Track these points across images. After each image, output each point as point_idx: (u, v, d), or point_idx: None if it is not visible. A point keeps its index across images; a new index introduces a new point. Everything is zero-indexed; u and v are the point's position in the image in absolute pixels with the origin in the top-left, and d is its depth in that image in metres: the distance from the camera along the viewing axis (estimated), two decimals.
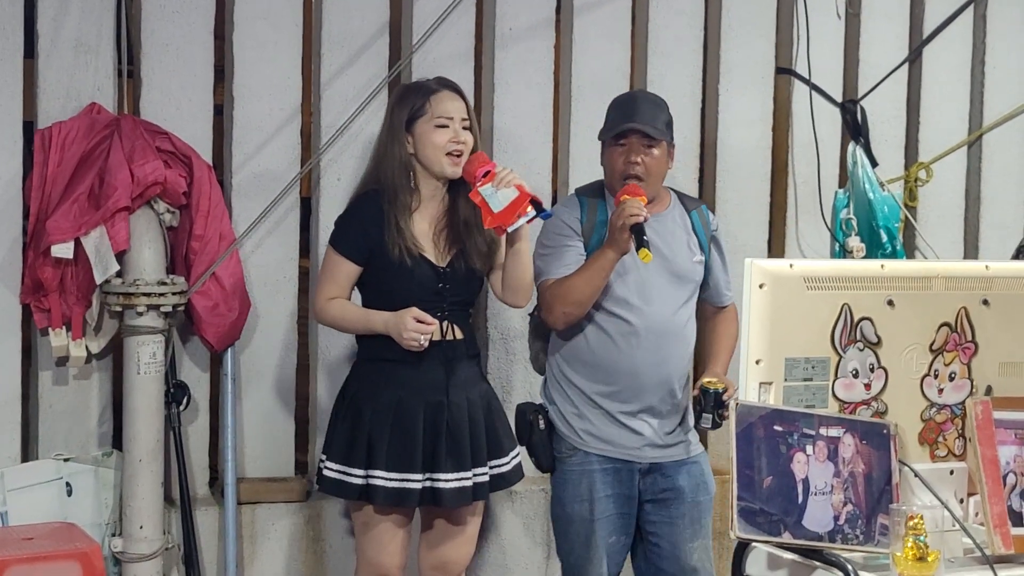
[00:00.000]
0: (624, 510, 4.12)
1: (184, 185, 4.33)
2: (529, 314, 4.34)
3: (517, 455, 4.17)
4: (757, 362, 2.91)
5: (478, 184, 3.88)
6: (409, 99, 4.04)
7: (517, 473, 4.18)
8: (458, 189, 4.03)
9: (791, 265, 2.96)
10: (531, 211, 3.87)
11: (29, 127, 4.37)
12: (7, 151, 4.30)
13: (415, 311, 3.88)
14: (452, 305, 4.03)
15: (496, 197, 3.86)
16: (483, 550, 4.77)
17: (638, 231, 3.82)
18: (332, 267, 4.05)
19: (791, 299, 2.93)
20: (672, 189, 4.31)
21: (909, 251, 5.35)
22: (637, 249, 3.81)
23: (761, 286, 2.90)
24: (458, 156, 3.99)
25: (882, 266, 3.03)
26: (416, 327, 3.86)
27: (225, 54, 4.61)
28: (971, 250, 5.49)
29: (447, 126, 3.98)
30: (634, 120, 4.06)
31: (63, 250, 4.18)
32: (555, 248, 4.11)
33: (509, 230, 3.91)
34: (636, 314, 4.05)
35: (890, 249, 5.19)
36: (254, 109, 4.59)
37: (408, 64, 4.69)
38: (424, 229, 4.01)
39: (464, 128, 4.02)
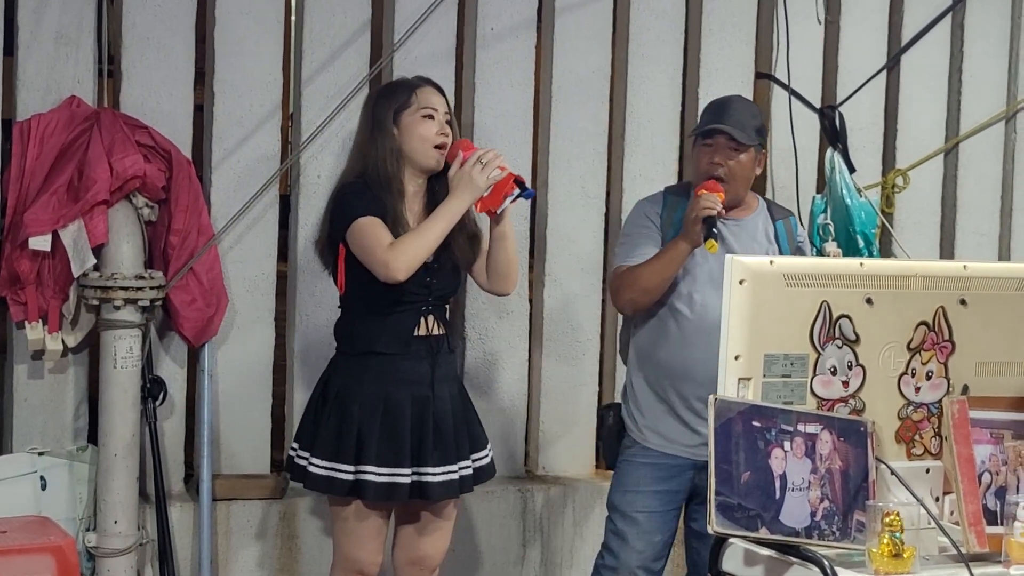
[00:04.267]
0: (672, 506, 4.18)
1: (163, 179, 4.33)
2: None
3: (490, 450, 4.18)
4: (736, 358, 2.90)
5: None
6: (394, 94, 4.04)
7: (493, 467, 4.20)
8: (438, 184, 4.03)
9: (771, 262, 2.95)
10: (516, 191, 3.89)
11: (7, 125, 4.35)
12: None
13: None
14: (436, 300, 4.04)
15: None
16: (457, 549, 4.76)
17: (709, 223, 3.89)
18: (366, 228, 3.87)
19: (771, 295, 2.92)
20: (763, 197, 4.37)
21: (885, 257, 5.37)
22: (705, 240, 3.88)
23: (741, 282, 2.90)
24: (444, 148, 3.99)
25: (861, 264, 3.03)
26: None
27: (207, 50, 4.61)
28: (947, 256, 5.52)
29: (433, 117, 3.99)
30: (724, 122, 4.08)
31: (41, 243, 4.18)
32: (632, 237, 4.19)
33: (498, 211, 3.93)
34: (696, 311, 4.08)
35: (867, 255, 5.22)
36: (234, 105, 4.59)
37: (389, 63, 4.70)
38: (410, 223, 4.00)
39: (447, 122, 4.03)
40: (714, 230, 3.88)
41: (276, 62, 4.64)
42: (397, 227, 3.91)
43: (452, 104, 4.19)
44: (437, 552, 4.17)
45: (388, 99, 4.04)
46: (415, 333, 3.98)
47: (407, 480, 3.94)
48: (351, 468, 3.93)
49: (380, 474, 3.92)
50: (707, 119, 4.17)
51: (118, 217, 4.26)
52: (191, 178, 4.40)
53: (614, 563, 4.19)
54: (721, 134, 4.08)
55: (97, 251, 4.22)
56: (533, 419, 5.07)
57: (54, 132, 4.26)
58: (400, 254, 3.82)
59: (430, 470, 3.97)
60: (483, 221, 4.07)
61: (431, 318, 4.02)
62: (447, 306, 4.15)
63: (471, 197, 3.90)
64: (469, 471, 4.07)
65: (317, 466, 3.97)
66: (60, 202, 4.20)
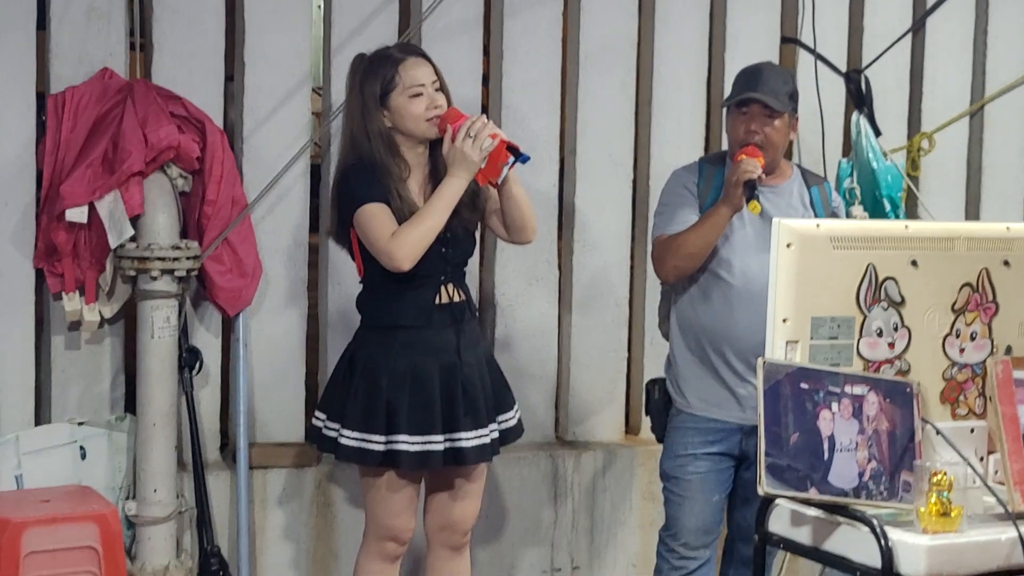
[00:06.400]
0: (723, 468, 4.22)
1: (197, 150, 4.34)
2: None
3: (518, 411, 4.21)
4: (784, 320, 2.94)
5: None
6: (377, 72, 3.98)
7: (520, 427, 4.22)
8: (435, 148, 4.01)
9: (818, 225, 2.99)
10: (511, 158, 3.89)
11: (41, 98, 4.37)
12: (20, 117, 4.30)
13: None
14: (454, 267, 4.05)
15: None
16: (489, 514, 4.80)
17: (750, 186, 3.93)
18: (370, 216, 3.88)
19: (818, 259, 2.95)
20: (797, 164, 4.39)
21: (911, 220, 5.39)
22: (747, 201, 3.92)
23: (789, 245, 2.93)
24: (438, 119, 3.98)
25: (906, 227, 3.06)
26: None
27: (236, 20, 4.62)
28: (972, 219, 5.53)
29: (421, 94, 3.96)
30: (757, 90, 4.10)
31: (77, 214, 4.19)
32: (670, 205, 4.21)
33: (498, 182, 3.93)
34: (737, 277, 4.11)
35: (893, 218, 5.23)
36: (265, 76, 4.60)
37: (418, 32, 4.71)
38: (416, 193, 4.01)
39: (436, 90, 3.99)
40: (756, 191, 3.92)
41: (305, 32, 4.65)
42: (403, 206, 3.91)
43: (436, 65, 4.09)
44: (469, 516, 4.20)
45: (373, 79, 3.97)
46: (436, 302, 4.00)
47: (440, 447, 3.97)
48: (382, 439, 3.95)
49: (413, 443, 3.94)
50: (740, 87, 4.18)
51: (153, 188, 4.28)
52: (224, 149, 4.41)
53: (676, 528, 4.24)
54: (755, 102, 4.10)
55: (133, 222, 4.24)
56: (563, 385, 5.10)
57: (88, 104, 4.28)
58: (402, 245, 3.84)
59: (463, 435, 3.99)
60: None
61: (450, 286, 4.03)
62: (465, 270, 4.16)
63: (468, 174, 3.89)
64: (496, 434, 4.10)
65: (348, 437, 3.99)
66: (96, 174, 4.21)
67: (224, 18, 4.56)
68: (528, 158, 3.94)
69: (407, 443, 3.94)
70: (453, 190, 3.89)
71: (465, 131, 3.86)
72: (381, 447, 3.95)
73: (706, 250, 4.08)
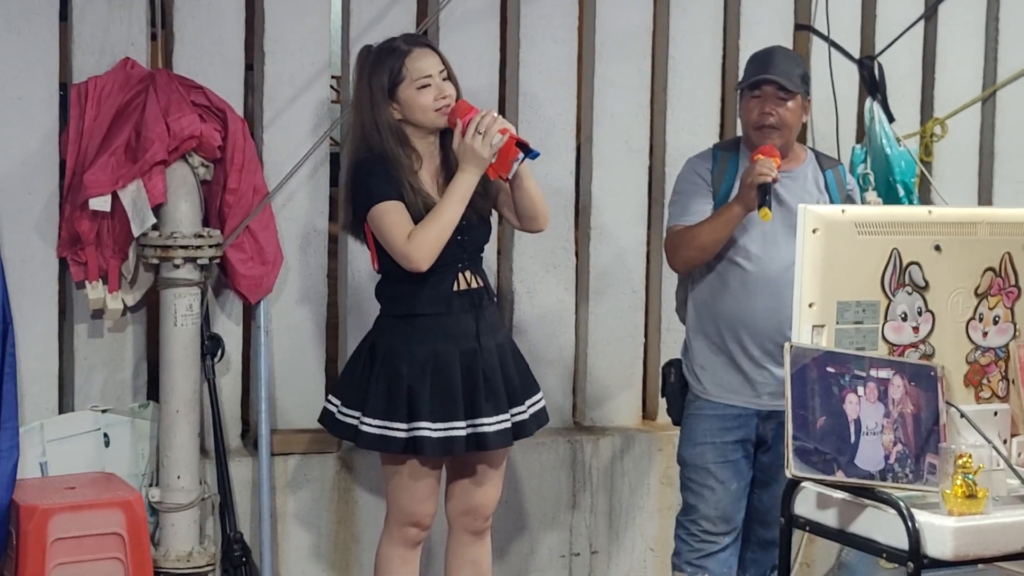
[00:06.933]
0: (742, 455, 4.25)
1: (219, 139, 4.37)
2: None
3: (542, 397, 4.24)
4: (810, 305, 2.97)
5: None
6: (384, 64, 4.00)
7: (546, 415, 4.25)
8: (446, 137, 4.03)
9: (843, 211, 3.02)
10: (520, 155, 3.91)
11: (64, 88, 4.39)
12: (43, 105, 4.33)
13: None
14: (471, 254, 4.08)
15: None
16: (509, 500, 4.83)
17: (764, 190, 3.96)
18: (386, 215, 3.92)
19: (843, 244, 2.99)
20: (811, 148, 4.42)
21: (925, 205, 5.42)
22: (759, 207, 3.95)
23: (814, 231, 2.96)
24: (447, 108, 4.00)
25: (929, 212, 3.10)
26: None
27: (256, 10, 4.64)
28: (984, 204, 5.55)
29: (428, 85, 3.98)
30: (769, 72, 4.14)
31: (101, 203, 4.22)
32: (684, 195, 4.25)
33: (509, 177, 3.96)
34: (755, 263, 4.15)
35: (906, 203, 5.26)
36: (284, 64, 4.63)
37: (435, 20, 4.73)
38: (428, 181, 4.04)
39: (444, 80, 4.02)
40: (768, 197, 3.95)
41: (325, 21, 4.68)
42: (417, 198, 3.94)
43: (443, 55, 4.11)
44: (490, 501, 4.23)
45: (380, 71, 3.99)
46: (454, 289, 4.03)
47: (463, 433, 4.00)
48: (404, 426, 3.97)
49: (436, 429, 3.97)
50: (753, 70, 4.22)
51: (175, 177, 4.31)
52: (245, 137, 4.44)
53: (694, 515, 4.28)
54: (769, 84, 4.14)
55: (155, 211, 4.27)
56: (580, 371, 5.13)
57: (111, 94, 4.30)
58: (419, 247, 3.88)
59: (485, 420, 4.02)
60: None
61: (468, 272, 4.06)
62: (482, 256, 4.18)
63: (478, 170, 3.91)
64: (524, 416, 4.13)
65: (369, 425, 4.02)
66: (119, 163, 4.24)
67: (244, 7, 4.58)
68: (538, 154, 3.96)
69: (430, 430, 3.97)
70: (465, 186, 3.92)
71: (475, 127, 3.88)
72: (404, 434, 3.98)
73: (718, 245, 4.13)
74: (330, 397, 4.19)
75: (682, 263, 4.24)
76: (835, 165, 4.36)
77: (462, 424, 4.00)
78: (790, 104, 4.16)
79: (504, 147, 3.89)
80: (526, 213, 4.12)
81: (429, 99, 3.98)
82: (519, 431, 4.12)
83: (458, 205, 3.91)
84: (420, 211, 3.94)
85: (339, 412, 4.11)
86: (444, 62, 4.05)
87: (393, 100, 3.99)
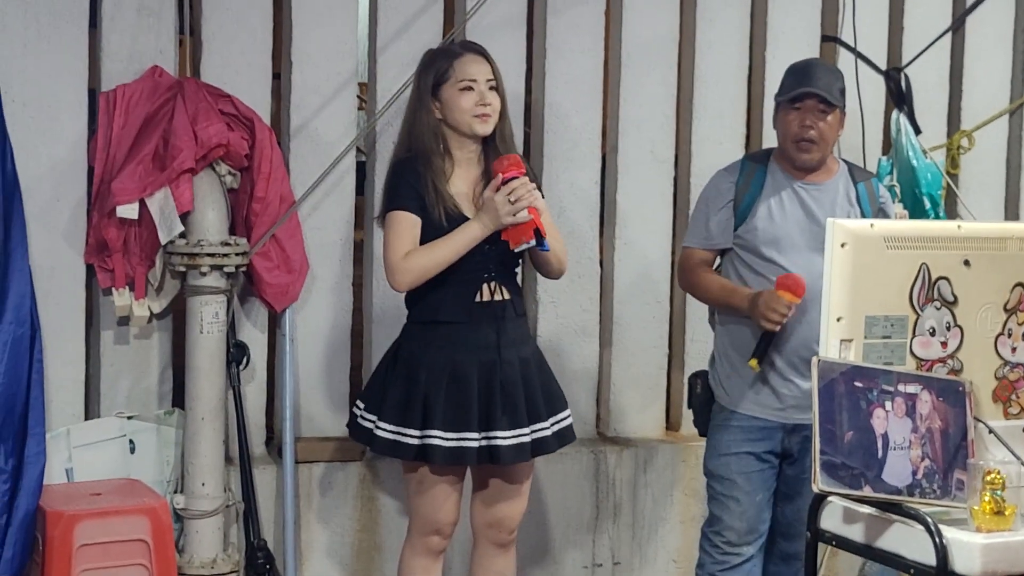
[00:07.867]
0: (768, 466, 4.24)
1: (246, 147, 4.39)
2: None
3: (570, 414, 4.24)
4: (838, 319, 2.97)
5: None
6: (434, 64, 4.07)
7: (572, 432, 4.25)
8: (492, 148, 4.07)
9: (872, 225, 3.02)
10: (532, 241, 3.95)
11: (92, 95, 4.41)
12: (72, 113, 4.35)
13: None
14: (498, 265, 4.07)
15: None
16: (533, 510, 4.83)
17: (766, 340, 4.03)
18: (395, 226, 4.01)
19: (871, 258, 2.99)
20: (844, 160, 4.40)
21: (951, 218, 5.40)
22: (752, 355, 4.04)
23: (843, 245, 2.96)
24: (487, 116, 4.02)
25: (959, 227, 3.09)
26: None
27: (283, 19, 4.66)
28: (1011, 217, 5.54)
29: (472, 88, 4.01)
30: (811, 85, 4.12)
31: (128, 211, 4.24)
32: (702, 213, 4.28)
33: (515, 251, 4.00)
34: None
35: (933, 216, 5.24)
36: (311, 73, 4.64)
37: (462, 29, 4.74)
38: (463, 191, 4.05)
39: (491, 89, 4.04)
40: (767, 349, 4.03)
41: (352, 30, 4.69)
42: (436, 201, 3.97)
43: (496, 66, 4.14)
44: (515, 514, 4.23)
45: (429, 71, 4.07)
46: (476, 300, 4.04)
47: (475, 444, 4.00)
48: (417, 433, 3.99)
49: (447, 438, 3.98)
50: (793, 83, 4.19)
51: (203, 185, 4.33)
52: (272, 146, 4.45)
53: (719, 526, 4.27)
54: (811, 97, 4.12)
55: (183, 219, 4.28)
56: (604, 382, 5.13)
57: (139, 102, 4.32)
58: (408, 271, 3.97)
59: (500, 434, 4.02)
60: None
61: (494, 284, 4.06)
62: (516, 271, 4.19)
63: (492, 226, 3.95)
64: (547, 432, 4.12)
65: (384, 430, 4.03)
66: (146, 171, 4.26)
67: (272, 16, 4.60)
68: (547, 248, 4.01)
69: (441, 438, 3.98)
70: (472, 235, 3.96)
71: (511, 190, 3.91)
72: (416, 441, 3.99)
73: (716, 306, 4.28)
74: (358, 400, 4.21)
75: (685, 289, 4.42)
76: (868, 178, 4.34)
77: (475, 435, 4.00)
78: (830, 118, 4.15)
79: (522, 226, 3.93)
80: (541, 269, 4.24)
81: (470, 102, 4.00)
82: (539, 447, 4.11)
83: (460, 249, 3.96)
84: (439, 216, 3.97)
85: (361, 416, 4.13)
86: (495, 73, 4.07)
87: (436, 98, 4.03)
